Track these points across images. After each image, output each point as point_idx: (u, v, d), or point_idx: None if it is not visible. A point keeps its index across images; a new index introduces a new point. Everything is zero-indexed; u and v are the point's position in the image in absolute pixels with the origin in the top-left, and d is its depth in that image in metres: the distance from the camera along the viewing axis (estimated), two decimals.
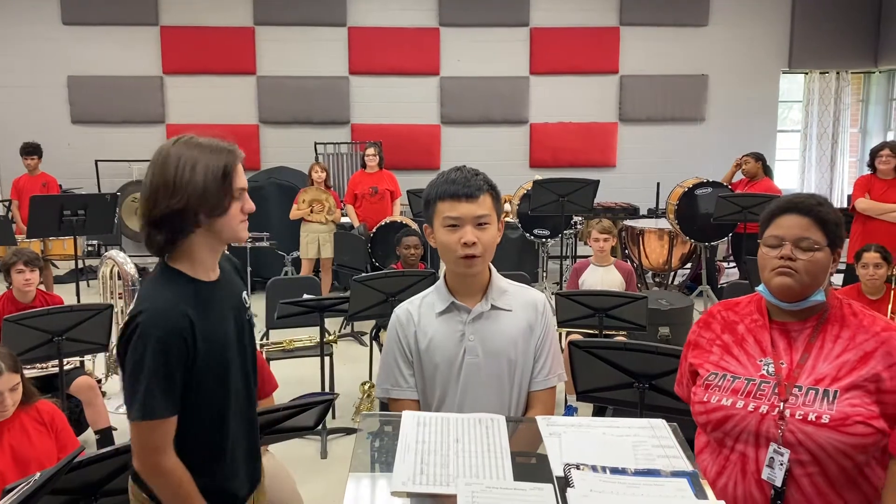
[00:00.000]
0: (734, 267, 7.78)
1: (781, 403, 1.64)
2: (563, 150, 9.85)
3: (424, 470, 1.31)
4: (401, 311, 2.00)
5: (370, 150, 7.38)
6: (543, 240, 7.75)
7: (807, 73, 10.09)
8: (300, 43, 9.56)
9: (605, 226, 5.03)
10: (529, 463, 1.39)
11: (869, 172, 5.87)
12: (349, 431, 4.41)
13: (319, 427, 4.40)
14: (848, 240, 6.08)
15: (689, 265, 7.69)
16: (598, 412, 3.90)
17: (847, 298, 1.77)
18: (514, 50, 9.75)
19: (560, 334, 4.58)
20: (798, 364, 1.68)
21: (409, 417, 1.49)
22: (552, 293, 5.01)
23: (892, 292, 4.20)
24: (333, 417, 4.62)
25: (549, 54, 9.74)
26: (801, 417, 1.61)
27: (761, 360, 1.71)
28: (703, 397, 1.74)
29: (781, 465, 1.61)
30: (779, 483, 1.61)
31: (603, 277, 4.96)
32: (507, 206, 8.06)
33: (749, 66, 9.84)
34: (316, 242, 7.01)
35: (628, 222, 7.81)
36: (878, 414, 1.60)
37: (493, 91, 9.75)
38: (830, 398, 1.61)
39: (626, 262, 7.29)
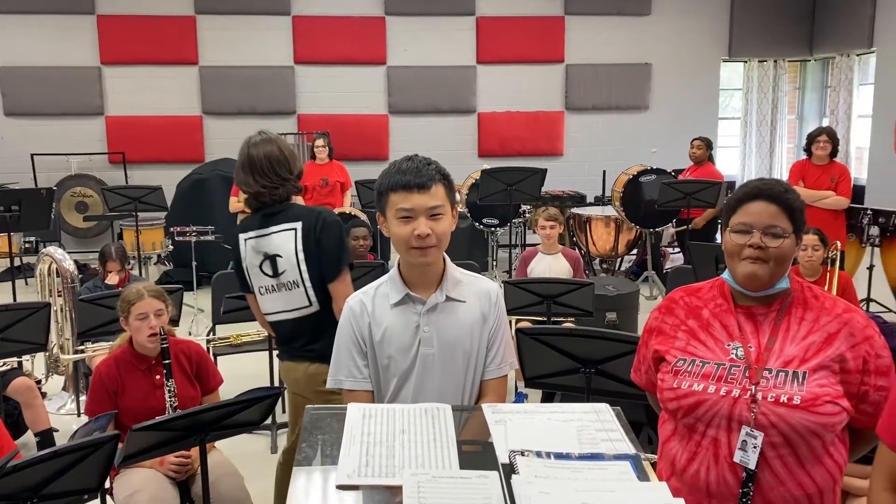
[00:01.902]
0: (679, 252, 7.95)
1: (753, 387, 1.64)
2: (511, 139, 9.91)
3: (370, 462, 1.30)
4: (354, 301, 1.98)
5: (319, 142, 7.29)
6: (493, 229, 7.79)
7: (746, 62, 10.35)
8: (243, 32, 9.39)
9: (551, 213, 5.07)
10: (476, 451, 1.39)
11: (804, 157, 6.03)
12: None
13: (269, 422, 4.37)
14: None
15: (635, 251, 7.83)
16: (547, 398, 3.95)
17: (806, 281, 1.79)
18: (461, 39, 9.75)
19: (510, 322, 4.62)
20: (766, 347, 1.68)
21: (354, 410, 1.48)
22: (501, 282, 5.04)
23: (828, 273, 4.35)
24: (284, 411, 4.58)
25: (496, 43, 9.77)
26: (773, 399, 1.62)
27: (729, 345, 1.72)
28: (672, 384, 1.73)
29: (755, 447, 1.62)
30: (752, 466, 1.62)
31: (551, 265, 5.01)
32: (456, 196, 8.07)
33: (691, 55, 10.04)
34: None
35: (576, 210, 7.90)
36: (843, 393, 1.63)
37: (440, 80, 9.74)
38: (800, 379, 1.63)
39: (574, 249, 7.40)
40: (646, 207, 7.04)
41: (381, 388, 1.95)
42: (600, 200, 8.75)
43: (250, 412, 2.43)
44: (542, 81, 9.95)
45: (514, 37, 9.77)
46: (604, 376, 2.62)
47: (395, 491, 1.25)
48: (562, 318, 4.56)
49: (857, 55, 9.54)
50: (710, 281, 1.85)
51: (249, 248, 2.76)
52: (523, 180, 6.80)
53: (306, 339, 2.74)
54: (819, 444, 1.64)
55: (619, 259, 7.77)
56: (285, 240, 2.70)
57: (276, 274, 2.72)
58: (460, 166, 8.87)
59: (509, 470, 1.30)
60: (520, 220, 8.14)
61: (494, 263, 7.93)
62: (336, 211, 6.87)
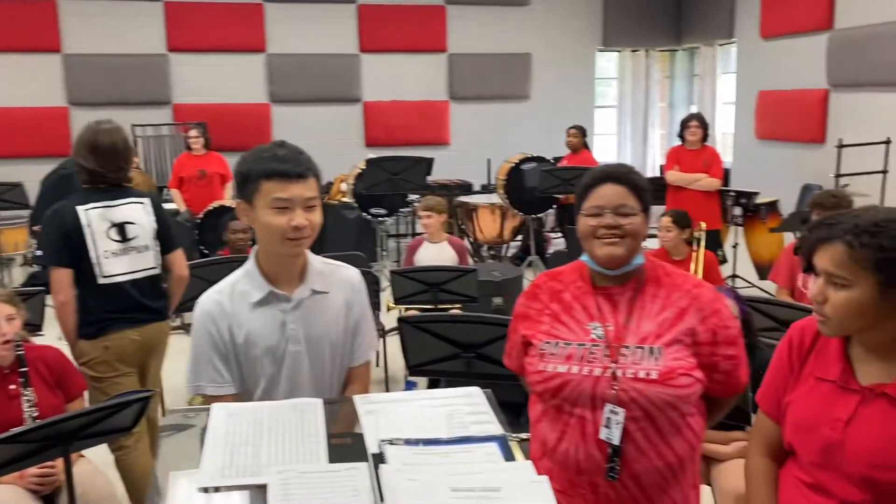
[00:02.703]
0: (561, 237, 8.20)
1: (613, 364, 1.71)
2: (398, 129, 9.89)
3: (234, 462, 1.27)
4: (209, 302, 1.88)
5: (193, 132, 7.02)
6: (381, 219, 7.76)
7: (619, 52, 10.77)
8: (110, 18, 8.88)
9: (428, 203, 5.10)
10: (346, 444, 1.38)
11: (678, 143, 6.35)
12: (181, 428, 4.21)
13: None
14: (664, 208, 6.59)
15: (520, 237, 8.01)
16: (433, 385, 3.99)
17: (658, 260, 1.88)
18: (342, 27, 9.62)
19: (399, 311, 4.63)
20: (624, 325, 1.75)
21: (218, 410, 1.44)
22: (389, 271, 5.04)
23: (693, 253, 4.63)
24: (164, 415, 4.40)
25: (378, 32, 9.71)
26: (632, 376, 1.69)
27: (589, 325, 1.77)
28: (539, 366, 1.77)
29: (618, 423, 1.68)
30: (616, 441, 1.68)
31: (437, 254, 5.05)
32: (342, 186, 7.99)
33: (568, 46, 10.34)
34: None
35: (462, 198, 8.00)
36: (696, 365, 1.72)
37: (323, 69, 9.59)
38: (656, 355, 1.70)
39: (462, 237, 7.49)
40: (528, 194, 7.21)
41: (248, 388, 1.89)
42: (486, 188, 8.90)
43: (120, 417, 2.31)
44: (426, 71, 9.98)
45: (396, 25, 9.74)
46: (484, 360, 2.67)
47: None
48: (449, 305, 4.62)
49: (720, 45, 10.13)
50: (571, 264, 1.90)
51: (95, 217, 3.01)
52: (408, 169, 6.81)
53: (148, 297, 3.15)
54: (677, 416, 1.72)
55: (505, 245, 7.93)
56: (136, 210, 3.13)
57: (124, 239, 3.09)
58: (347, 156, 8.80)
59: (379, 460, 1.30)
60: (408, 209, 8.15)
61: (385, 254, 7.91)
62: (216, 204, 6.66)
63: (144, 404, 2.36)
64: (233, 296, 1.87)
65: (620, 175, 1.78)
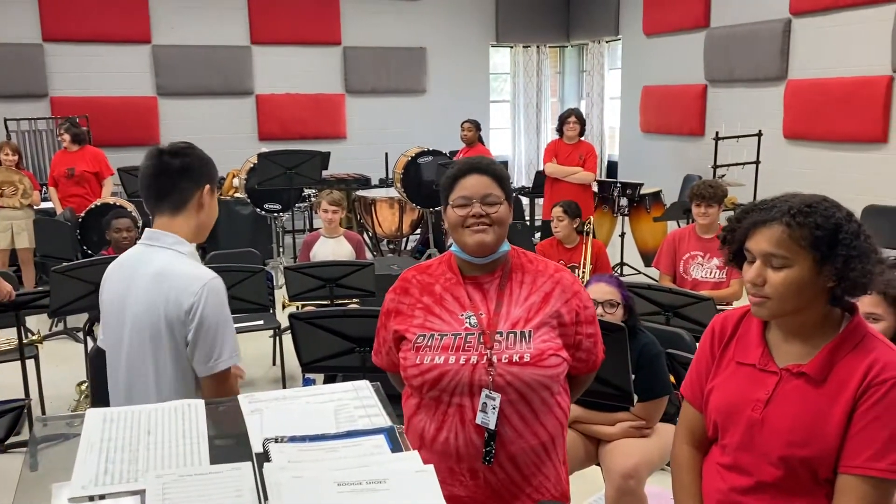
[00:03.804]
0: None
1: (488, 351, 1.76)
2: (293, 122, 9.72)
3: (109, 469, 1.22)
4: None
5: (62, 129, 6.66)
6: (275, 214, 7.61)
7: (512, 47, 10.98)
8: None
9: (334, 198, 5.06)
10: (230, 444, 1.35)
11: (557, 137, 6.54)
12: (65, 437, 4.00)
13: (27, 437, 3.95)
14: (543, 199, 6.78)
15: (419, 230, 8.05)
16: (329, 381, 3.96)
17: (520, 248, 1.94)
18: (233, 18, 9.36)
19: (296, 308, 4.56)
20: (495, 312, 1.81)
21: (93, 415, 1.38)
22: (283, 267, 4.96)
23: (583, 242, 4.80)
24: (45, 424, 4.16)
25: (270, 23, 9.50)
26: (506, 360, 1.75)
27: (462, 315, 1.81)
28: (415, 360, 1.79)
29: (494, 408, 1.73)
30: (492, 426, 1.73)
31: (334, 249, 5.00)
32: (235, 182, 7.78)
33: (462, 40, 10.45)
34: (9, 231, 6.17)
35: (360, 192, 7.95)
36: (562, 346, 1.81)
37: (212, 61, 9.30)
38: (527, 338, 1.77)
39: (361, 231, 7.45)
40: (425, 188, 7.25)
41: None
42: (384, 182, 8.88)
43: None
44: (321, 64, 9.85)
45: (288, 17, 9.55)
46: None
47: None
48: (346, 301, 4.59)
49: (607, 42, 10.50)
50: (439, 257, 1.95)
51: None
52: (303, 164, 6.71)
53: None
54: (548, 395, 1.81)
55: (404, 239, 7.95)
56: None
57: None
58: (239, 150, 8.56)
59: (263, 458, 1.29)
60: (305, 204, 8.03)
61: (281, 250, 7.76)
62: (99, 202, 6.34)
63: (17, 415, 2.24)
64: None
65: (484, 166, 1.85)
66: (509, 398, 1.75)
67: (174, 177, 1.92)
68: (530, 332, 1.78)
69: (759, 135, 7.25)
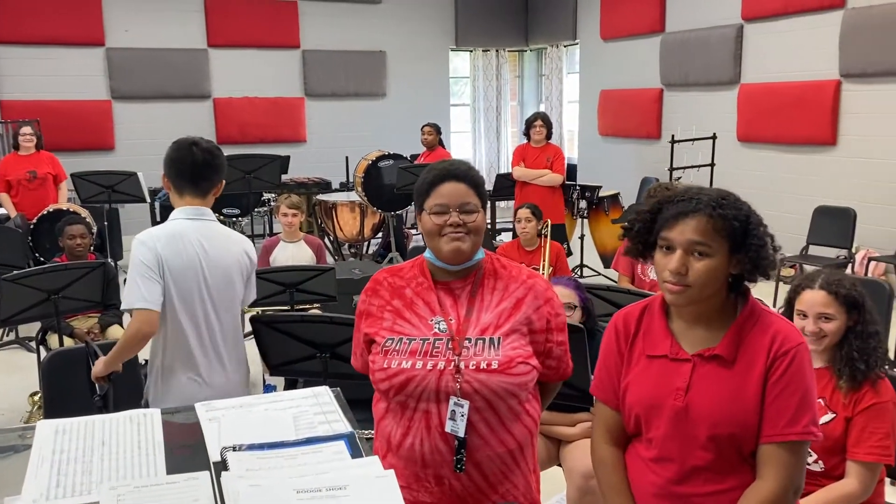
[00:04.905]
0: (420, 234, 8.28)
1: (456, 357, 1.73)
2: (252, 126, 9.62)
3: (61, 482, 1.20)
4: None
5: (26, 129, 6.50)
6: (235, 218, 7.51)
7: (472, 51, 11.03)
8: None
9: (293, 201, 5.03)
10: (186, 454, 1.34)
11: (525, 141, 6.60)
12: (17, 449, 3.89)
13: None
14: (513, 202, 6.82)
15: (380, 234, 8.03)
16: (290, 385, 3.93)
17: (494, 253, 1.93)
18: (189, 20, 9.23)
19: (256, 313, 4.51)
20: (465, 318, 1.78)
21: (44, 427, 1.35)
22: None
23: (542, 244, 4.85)
24: None
25: (228, 26, 9.39)
26: (474, 367, 1.72)
27: (432, 320, 1.79)
28: (382, 364, 1.76)
29: (462, 416, 1.70)
30: (461, 433, 1.70)
31: (294, 253, 4.97)
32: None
33: (421, 44, 10.47)
34: None
35: (321, 196, 7.90)
36: (532, 353, 1.78)
37: (169, 64, 9.15)
38: (496, 345, 1.74)
39: (322, 235, 7.40)
40: (386, 192, 7.23)
41: None
42: (345, 186, 8.83)
43: None
44: (279, 67, 9.77)
45: (246, 20, 9.45)
46: (340, 360, 2.66)
47: None
48: (307, 306, 4.55)
49: (565, 46, 10.62)
50: (412, 260, 1.93)
51: None
52: (262, 167, 6.64)
53: None
54: (516, 403, 1.78)
55: (365, 243, 7.92)
56: None
57: None
58: None
59: (221, 468, 1.28)
60: (265, 208, 7.95)
61: None
62: (51, 207, 6.19)
63: None
64: None
65: (461, 173, 1.81)
66: (476, 405, 1.73)
67: (210, 169, 2.46)
68: (499, 338, 1.76)
69: (714, 137, 7.40)
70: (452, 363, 1.74)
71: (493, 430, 1.76)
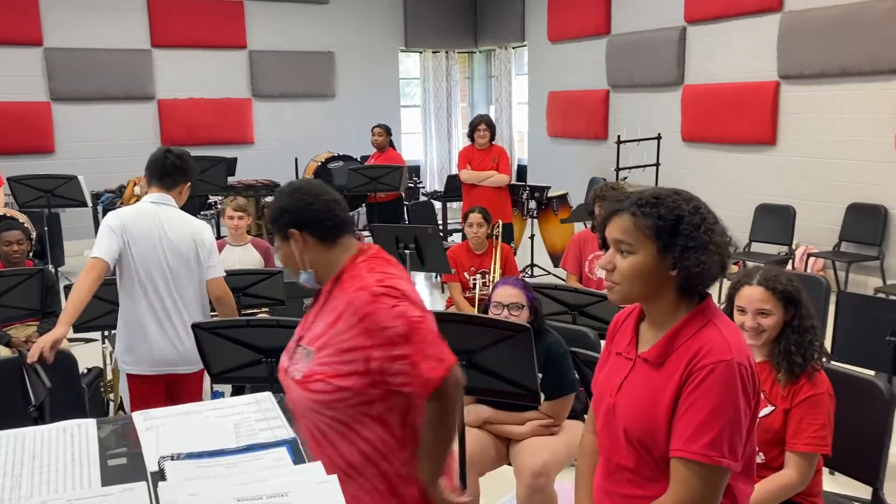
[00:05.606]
0: (370, 235, 8.24)
1: (288, 362, 1.82)
2: (198, 128, 9.45)
3: None
4: None
5: None
6: None
7: (421, 52, 11.03)
8: None
9: (239, 204, 4.95)
10: (122, 464, 1.30)
11: (469, 143, 6.62)
12: None
13: None
14: (462, 203, 6.84)
15: None
16: (237, 392, 3.87)
17: (360, 261, 1.80)
18: (131, 20, 9.02)
19: None
20: (311, 324, 1.82)
21: None
22: None
23: (493, 246, 4.86)
24: None
25: (172, 26, 9.21)
26: (292, 375, 1.78)
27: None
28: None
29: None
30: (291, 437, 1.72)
31: (241, 257, 4.89)
32: (136, 189, 7.48)
33: (371, 45, 10.42)
34: None
35: (270, 199, 7.80)
36: (344, 373, 1.69)
37: (110, 65, 8.92)
38: (309, 357, 1.75)
39: (270, 239, 7.30)
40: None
41: None
42: None
43: None
44: (226, 68, 9.62)
45: (191, 20, 9.28)
46: None
47: None
48: (255, 310, 4.49)
49: (513, 48, 10.70)
50: None
51: None
52: (208, 170, 6.54)
53: None
54: (333, 421, 1.73)
55: None
56: None
57: None
58: (141, 157, 8.14)
59: (159, 478, 1.25)
60: (211, 211, 7.81)
61: None
62: None
63: None
64: None
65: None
66: (295, 414, 1.77)
67: (176, 170, 3.06)
68: (313, 350, 1.76)
69: (659, 138, 7.55)
70: (286, 368, 1.83)
71: (317, 441, 1.77)
